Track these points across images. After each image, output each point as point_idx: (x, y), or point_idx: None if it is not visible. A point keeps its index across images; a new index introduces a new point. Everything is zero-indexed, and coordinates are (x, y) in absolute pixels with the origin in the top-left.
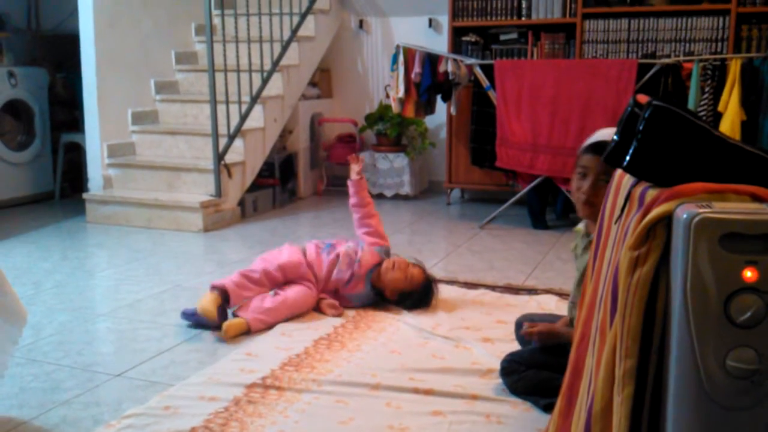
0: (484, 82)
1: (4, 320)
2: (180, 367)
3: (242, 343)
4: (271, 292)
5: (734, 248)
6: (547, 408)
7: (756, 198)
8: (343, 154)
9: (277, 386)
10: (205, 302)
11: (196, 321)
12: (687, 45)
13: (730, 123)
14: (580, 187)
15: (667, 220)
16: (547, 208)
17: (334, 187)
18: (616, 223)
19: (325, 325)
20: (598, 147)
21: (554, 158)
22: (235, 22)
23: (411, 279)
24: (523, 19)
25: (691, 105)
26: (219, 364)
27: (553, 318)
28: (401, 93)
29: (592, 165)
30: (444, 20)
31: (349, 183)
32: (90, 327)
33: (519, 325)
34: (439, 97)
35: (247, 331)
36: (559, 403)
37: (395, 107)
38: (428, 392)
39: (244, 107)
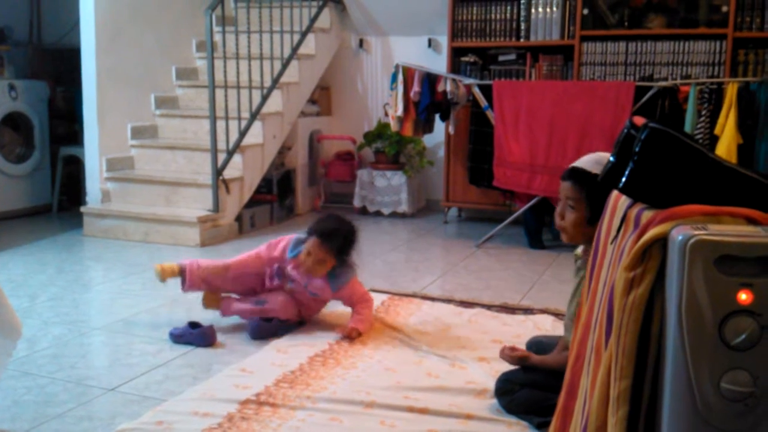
0: (483, 102)
1: None
2: (174, 383)
3: (237, 358)
4: None
5: (729, 271)
6: (541, 426)
7: (751, 221)
8: (341, 172)
9: (271, 403)
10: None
11: (185, 341)
12: (684, 68)
13: (726, 146)
14: (558, 212)
15: (662, 241)
16: (544, 228)
17: (331, 204)
18: (611, 243)
19: (320, 341)
20: (567, 172)
21: (551, 179)
22: (236, 40)
23: (312, 250)
24: (522, 40)
25: (687, 128)
26: (213, 379)
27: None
28: (400, 111)
29: (562, 190)
30: (443, 40)
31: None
32: (85, 341)
33: (529, 346)
34: (437, 116)
35: (181, 275)
36: (554, 423)
37: (394, 126)
38: (423, 411)
39: (243, 123)
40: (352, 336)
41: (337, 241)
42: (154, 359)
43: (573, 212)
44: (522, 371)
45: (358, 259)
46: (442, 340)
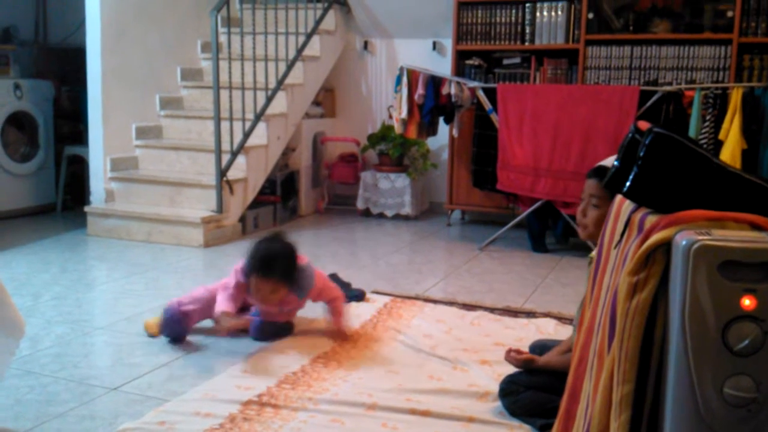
0: (487, 105)
1: (2, 331)
2: (176, 383)
3: (239, 359)
4: None
5: (733, 276)
6: (544, 429)
7: (755, 226)
8: (345, 174)
9: (273, 404)
10: (152, 321)
11: (168, 332)
12: (689, 73)
13: (730, 151)
14: (581, 209)
15: (666, 246)
16: (547, 231)
17: (335, 206)
18: (615, 248)
19: (323, 343)
20: (593, 170)
21: (555, 182)
22: (241, 41)
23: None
24: (527, 44)
25: (692, 133)
26: (215, 380)
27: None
28: (404, 114)
29: (586, 188)
30: (448, 43)
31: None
32: (87, 340)
33: (532, 349)
34: (441, 119)
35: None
36: (557, 426)
37: (398, 128)
38: (425, 413)
39: (247, 124)
40: (348, 333)
41: (277, 268)
42: (157, 359)
43: (596, 210)
44: (527, 374)
45: (307, 255)
46: (444, 342)
